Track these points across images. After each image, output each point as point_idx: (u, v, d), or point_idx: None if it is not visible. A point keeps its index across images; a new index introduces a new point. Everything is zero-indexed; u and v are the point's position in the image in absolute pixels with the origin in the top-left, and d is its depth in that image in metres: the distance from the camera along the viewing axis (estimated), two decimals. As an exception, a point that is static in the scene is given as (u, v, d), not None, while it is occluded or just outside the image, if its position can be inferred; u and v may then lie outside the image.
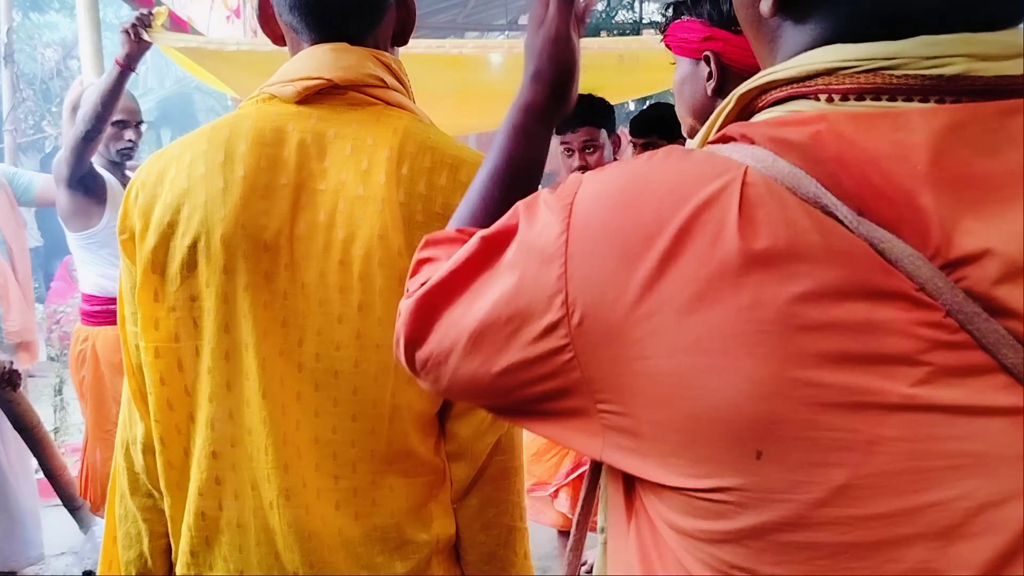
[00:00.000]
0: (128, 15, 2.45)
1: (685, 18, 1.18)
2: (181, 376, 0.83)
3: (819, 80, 0.44)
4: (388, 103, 0.86)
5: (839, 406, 0.39)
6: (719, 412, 0.40)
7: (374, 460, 0.83)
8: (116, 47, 2.42)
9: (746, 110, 0.49)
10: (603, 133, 2.43)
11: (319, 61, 0.84)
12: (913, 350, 0.38)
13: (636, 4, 9.01)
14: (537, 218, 0.49)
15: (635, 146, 2.47)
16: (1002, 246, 0.38)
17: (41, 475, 2.64)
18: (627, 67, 2.77)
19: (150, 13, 2.38)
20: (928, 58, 0.41)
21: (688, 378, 0.41)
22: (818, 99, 0.44)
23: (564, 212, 0.47)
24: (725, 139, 0.47)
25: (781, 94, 0.46)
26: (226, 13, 5.00)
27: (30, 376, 2.87)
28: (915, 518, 0.38)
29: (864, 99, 0.43)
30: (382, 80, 0.85)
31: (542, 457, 2.50)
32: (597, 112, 2.46)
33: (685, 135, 1.30)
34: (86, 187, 2.49)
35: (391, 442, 0.84)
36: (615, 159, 2.50)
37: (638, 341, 0.42)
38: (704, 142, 0.50)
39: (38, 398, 3.69)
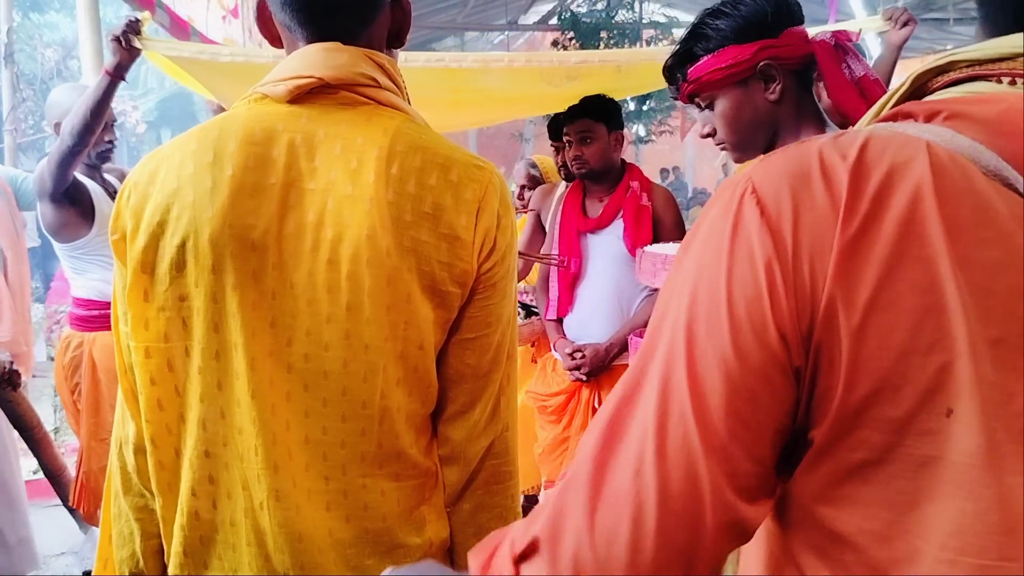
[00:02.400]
0: (128, 15, 2.36)
1: (706, 56, 1.20)
2: (171, 376, 0.83)
3: (1002, 64, 0.46)
4: (380, 103, 0.85)
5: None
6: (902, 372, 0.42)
7: (364, 462, 0.83)
8: (116, 48, 2.33)
9: (918, 92, 0.50)
10: (602, 127, 2.44)
11: (311, 60, 0.84)
12: None
13: (636, 4, 8.99)
14: (701, 245, 0.48)
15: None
16: None
17: (41, 475, 2.64)
18: (625, 74, 2.78)
19: (137, 20, 2.26)
20: None
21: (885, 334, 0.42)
22: (1000, 82, 0.46)
23: (748, 197, 0.46)
24: (897, 116, 0.48)
25: (960, 75, 0.48)
26: (223, 13, 5.00)
27: (31, 376, 2.85)
28: None
29: None
30: (375, 80, 0.85)
31: (550, 455, 2.50)
32: (597, 106, 2.46)
33: (735, 160, 1.30)
34: (71, 199, 2.40)
35: (381, 443, 0.83)
36: (615, 156, 2.50)
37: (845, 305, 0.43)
38: (873, 120, 0.51)
39: (38, 398, 3.69)
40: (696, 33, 1.22)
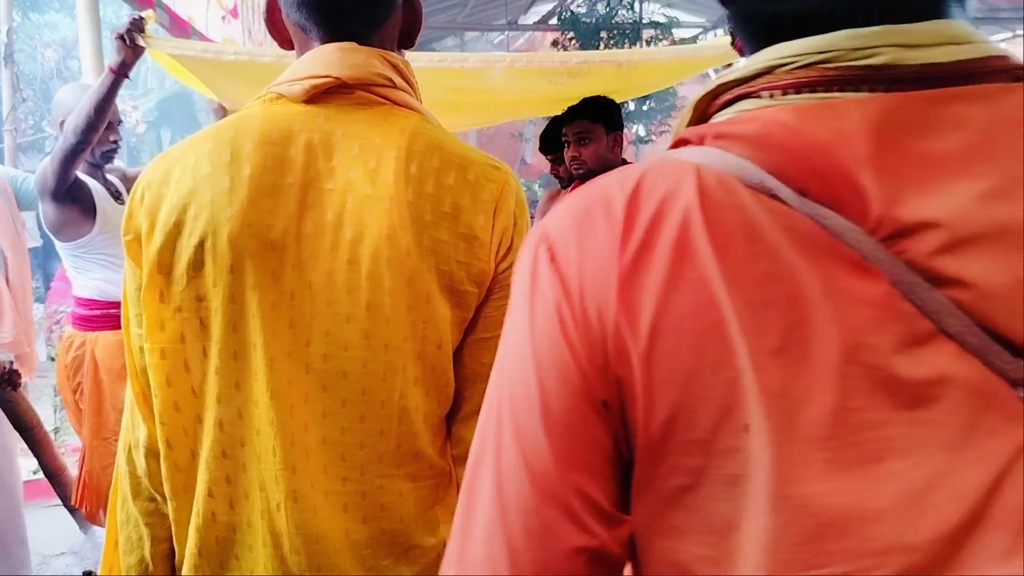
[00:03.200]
0: (129, 15, 2.36)
1: None
2: (188, 377, 0.83)
3: (761, 79, 0.47)
4: (396, 103, 0.86)
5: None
6: (703, 390, 0.42)
7: (383, 462, 0.83)
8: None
9: (704, 116, 0.52)
10: (600, 128, 2.44)
11: (327, 60, 0.83)
12: (869, 318, 0.40)
13: (636, 4, 8.99)
14: (514, 311, 0.49)
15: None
16: (939, 219, 0.40)
17: (41, 475, 2.64)
18: (625, 73, 2.78)
19: (141, 18, 2.26)
20: (855, 49, 0.44)
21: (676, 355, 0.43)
22: (761, 97, 0.47)
23: (541, 247, 0.48)
24: (678, 144, 0.50)
25: (730, 96, 0.49)
26: (222, 13, 5.00)
27: (34, 377, 2.85)
28: (881, 489, 0.39)
29: (803, 92, 0.45)
30: (390, 80, 0.85)
31: None
32: (595, 107, 2.46)
33: None
34: (73, 197, 2.39)
35: (400, 444, 0.83)
36: (614, 156, 2.50)
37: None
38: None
39: (38, 398, 3.69)
40: None
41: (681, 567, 0.45)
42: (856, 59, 0.44)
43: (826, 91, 0.45)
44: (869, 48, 0.44)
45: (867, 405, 0.40)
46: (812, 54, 0.45)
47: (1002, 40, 8.32)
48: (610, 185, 0.48)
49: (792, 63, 0.46)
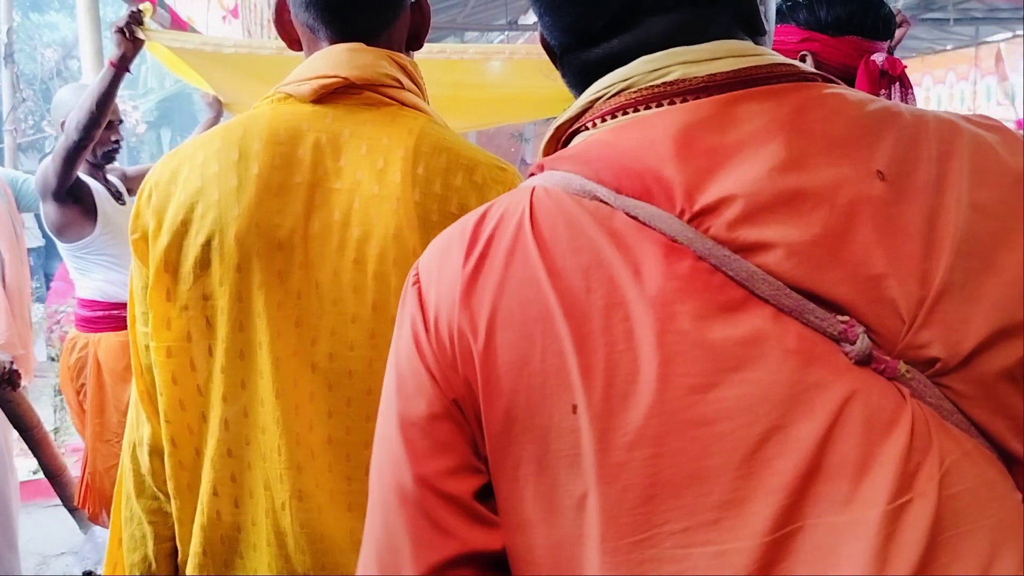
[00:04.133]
0: (131, 7, 2.33)
1: (778, 24, 1.27)
2: (193, 375, 0.83)
3: (586, 114, 0.54)
4: (403, 104, 0.86)
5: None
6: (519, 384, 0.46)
7: None
8: (114, 47, 2.30)
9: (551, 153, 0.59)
10: None
11: (335, 60, 0.84)
12: (678, 289, 0.44)
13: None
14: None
15: None
16: (735, 193, 0.44)
17: (41, 475, 2.64)
18: None
19: (139, 11, 2.23)
20: (651, 71, 0.50)
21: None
22: (589, 128, 0.53)
23: (410, 277, 0.55)
24: (528, 177, 0.56)
25: (567, 134, 0.56)
26: (222, 13, 5.00)
27: (32, 378, 2.84)
28: (714, 448, 0.41)
29: (617, 116, 0.52)
30: (398, 81, 0.86)
31: None
32: None
33: None
34: (74, 198, 2.37)
35: None
36: None
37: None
38: None
39: (38, 398, 3.69)
40: (793, 4, 1.29)
41: (536, 564, 0.46)
42: (653, 80, 0.50)
43: (635, 111, 0.51)
44: (661, 68, 0.50)
45: (689, 371, 0.42)
46: (618, 83, 0.52)
47: (1002, 40, 8.33)
48: (466, 217, 0.54)
49: (605, 94, 0.52)
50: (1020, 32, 8.02)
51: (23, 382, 2.44)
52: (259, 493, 0.83)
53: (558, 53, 0.59)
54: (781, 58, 0.51)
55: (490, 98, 3.17)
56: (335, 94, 0.84)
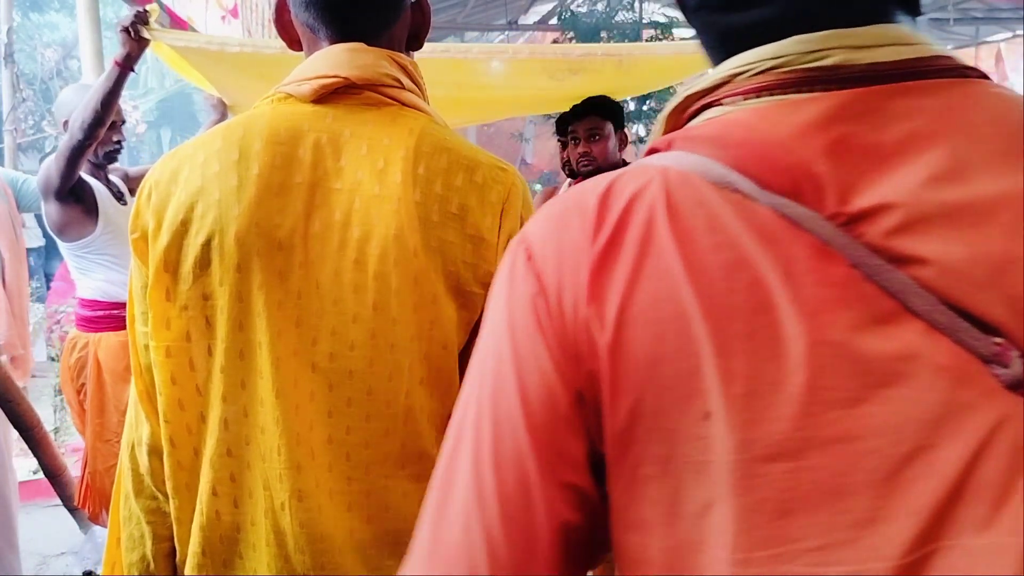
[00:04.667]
0: (136, 7, 2.33)
1: None
2: (193, 375, 0.83)
3: (723, 88, 0.50)
4: (404, 104, 0.86)
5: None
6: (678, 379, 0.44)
7: (387, 462, 0.83)
8: (116, 47, 2.28)
9: (674, 128, 0.55)
10: (609, 125, 2.45)
11: (335, 60, 0.84)
12: (831, 298, 0.41)
13: (636, 4, 9.00)
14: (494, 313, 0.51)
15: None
16: (893, 201, 0.42)
17: (41, 475, 2.63)
18: (625, 69, 2.79)
19: (145, 10, 2.24)
20: (807, 53, 0.46)
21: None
22: (724, 104, 0.50)
23: (519, 249, 0.51)
24: (649, 153, 0.52)
25: (696, 107, 0.52)
26: (221, 13, 5.01)
27: (31, 376, 2.84)
28: (857, 465, 0.40)
29: (762, 96, 0.48)
30: (398, 81, 0.86)
31: None
32: (604, 105, 2.48)
33: None
34: (76, 197, 2.37)
35: (405, 444, 0.83)
36: (620, 155, 2.51)
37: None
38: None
39: (38, 398, 3.69)
40: None
41: (650, 564, 0.45)
42: (808, 62, 0.46)
43: (783, 93, 0.47)
44: (819, 51, 0.46)
45: (838, 384, 0.40)
46: (767, 60, 0.47)
47: (1002, 40, 8.32)
48: (585, 190, 0.50)
49: (749, 70, 0.48)
50: (1020, 32, 8.02)
51: (22, 382, 2.43)
52: (258, 493, 0.82)
53: (693, 7, 0.54)
54: (940, 48, 0.48)
55: (493, 98, 3.17)
56: (336, 94, 0.84)
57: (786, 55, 0.47)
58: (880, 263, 0.42)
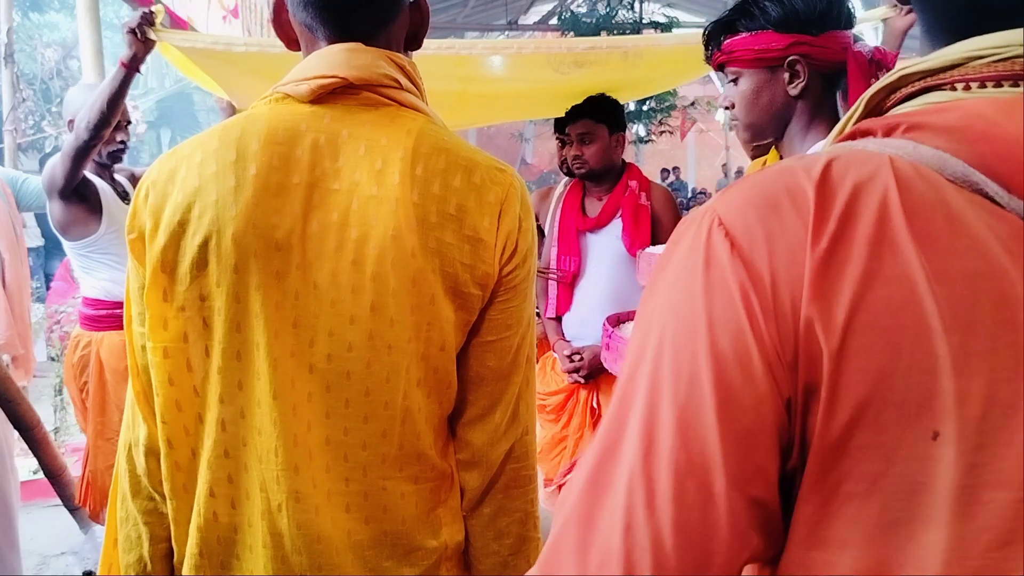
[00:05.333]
0: (128, 15, 2.34)
1: (744, 33, 1.21)
2: (190, 376, 0.83)
3: (955, 71, 0.45)
4: (402, 104, 0.85)
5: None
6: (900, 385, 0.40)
7: (385, 464, 0.83)
8: (116, 47, 2.30)
9: (875, 110, 0.50)
10: (603, 128, 2.45)
11: (333, 60, 0.83)
12: None
13: (636, 4, 9.00)
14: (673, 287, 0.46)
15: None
16: None
17: (41, 475, 2.64)
18: (631, 62, 2.78)
19: (151, 11, 2.25)
20: None
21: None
22: (955, 88, 0.45)
23: (715, 231, 0.45)
24: (856, 135, 0.48)
25: (913, 88, 0.47)
26: (223, 13, 5.00)
27: (32, 378, 2.84)
28: None
29: (1002, 86, 0.43)
30: (396, 81, 0.85)
31: (548, 454, 2.50)
32: (599, 108, 2.47)
33: (748, 141, 1.32)
34: (81, 196, 2.39)
35: (402, 445, 0.83)
36: (615, 157, 2.51)
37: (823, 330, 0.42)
38: (834, 142, 0.51)
39: (38, 398, 3.69)
40: (744, 8, 1.23)
41: None
42: None
43: None
44: None
45: None
46: (1016, 46, 0.43)
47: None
48: (794, 172, 0.45)
49: (993, 55, 0.43)
50: (1020, 31, 8.00)
51: (23, 382, 2.44)
52: (255, 494, 0.82)
53: None
54: None
55: (500, 93, 3.16)
56: (333, 94, 0.83)
57: None
58: None
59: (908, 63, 0.48)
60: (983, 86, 0.44)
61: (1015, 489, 0.38)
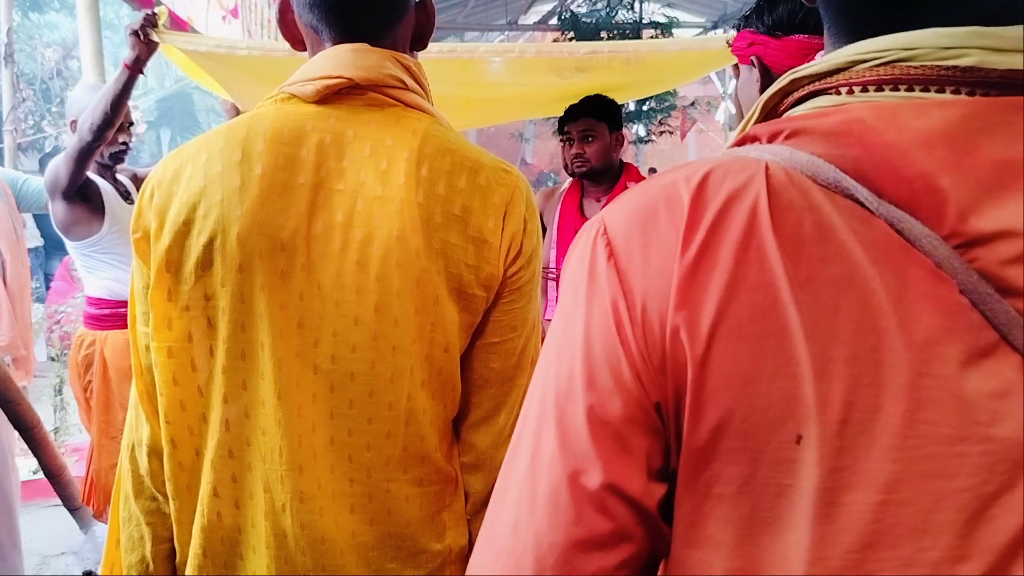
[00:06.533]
0: (129, 15, 2.35)
1: (742, 30, 1.27)
2: (194, 376, 0.82)
3: (840, 75, 0.45)
4: (408, 105, 0.85)
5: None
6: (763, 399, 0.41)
7: (389, 465, 0.83)
8: (116, 47, 2.30)
9: (771, 115, 0.51)
10: (604, 127, 2.45)
11: (339, 60, 0.83)
12: (940, 327, 0.39)
13: (636, 4, 9.00)
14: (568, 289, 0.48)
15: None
16: (1015, 229, 0.39)
17: (41, 475, 2.64)
18: (633, 68, 2.78)
19: (154, 13, 2.27)
20: (943, 48, 0.42)
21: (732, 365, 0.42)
22: (839, 93, 0.45)
23: (599, 242, 0.47)
24: (744, 141, 0.48)
25: (803, 92, 0.48)
26: (222, 13, 5.00)
27: (32, 378, 2.84)
28: (946, 503, 0.38)
29: (883, 90, 0.44)
30: (402, 81, 0.85)
31: None
32: (599, 106, 2.48)
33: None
34: (83, 196, 2.40)
35: (407, 447, 0.83)
36: (615, 156, 2.51)
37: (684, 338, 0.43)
38: (727, 148, 0.51)
39: (38, 398, 3.69)
40: (755, 8, 1.27)
41: None
42: (942, 59, 0.42)
43: (908, 90, 0.43)
44: (957, 48, 0.42)
45: (939, 419, 0.38)
46: (897, 50, 0.43)
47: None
48: (675, 181, 0.46)
49: (875, 59, 0.44)
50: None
51: (23, 382, 2.44)
52: (258, 495, 0.82)
53: None
54: None
55: (500, 97, 3.16)
56: (339, 95, 0.83)
57: (920, 48, 0.42)
58: (990, 292, 0.39)
59: (799, 67, 0.48)
60: (865, 90, 0.44)
61: (875, 492, 0.39)
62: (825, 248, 0.41)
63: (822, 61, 0.47)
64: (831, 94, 0.46)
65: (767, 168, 0.43)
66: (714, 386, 0.42)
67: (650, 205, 0.46)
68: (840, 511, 0.39)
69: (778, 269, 0.41)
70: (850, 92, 0.45)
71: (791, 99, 0.49)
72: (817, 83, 0.47)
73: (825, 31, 0.50)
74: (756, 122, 0.51)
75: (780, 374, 0.40)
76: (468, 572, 0.48)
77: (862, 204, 0.41)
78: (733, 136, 0.53)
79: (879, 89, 0.44)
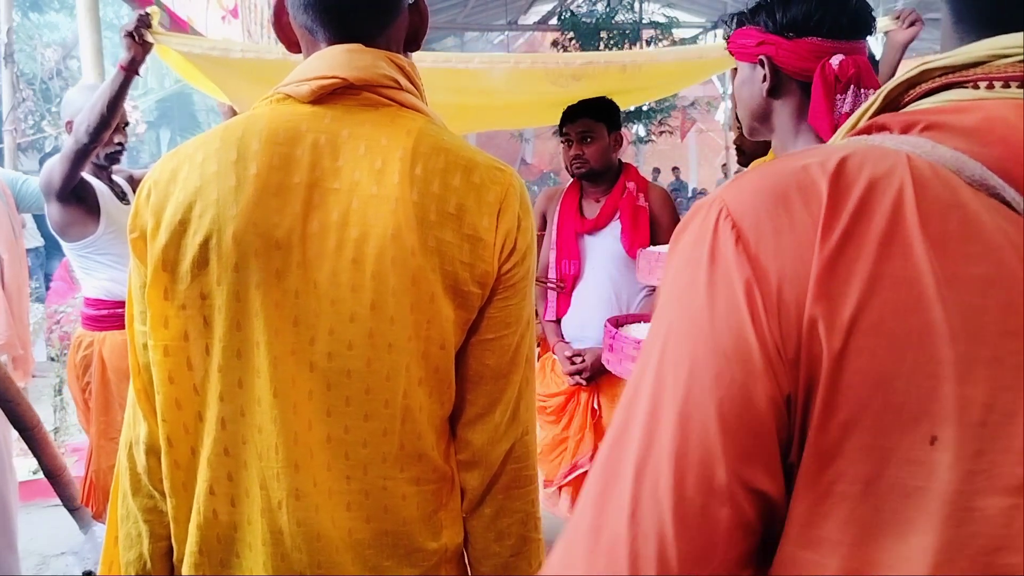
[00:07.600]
0: (129, 15, 2.35)
1: (745, 27, 1.25)
2: (190, 375, 0.83)
3: (978, 69, 0.44)
4: (402, 105, 0.86)
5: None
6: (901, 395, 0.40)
7: (386, 463, 0.83)
8: (116, 47, 2.30)
9: (891, 105, 0.50)
10: (602, 127, 2.45)
11: (334, 61, 0.84)
12: None
13: (636, 4, 9.00)
14: (680, 279, 0.46)
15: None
16: None
17: (41, 475, 2.64)
18: (630, 75, 2.79)
19: (147, 13, 2.25)
20: None
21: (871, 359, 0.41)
22: (976, 87, 0.44)
23: (723, 225, 0.45)
24: (871, 129, 0.47)
25: (934, 84, 0.46)
26: (222, 13, 5.01)
27: (31, 376, 2.84)
28: None
29: None
30: (396, 82, 0.86)
31: (549, 455, 2.50)
32: (597, 107, 2.48)
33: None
34: (79, 197, 2.39)
35: (403, 444, 0.84)
36: (614, 157, 2.51)
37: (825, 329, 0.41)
38: (847, 135, 0.50)
39: (38, 398, 3.69)
40: (756, 6, 1.25)
41: None
42: None
43: None
44: None
45: None
46: None
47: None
48: (806, 166, 0.44)
49: (1019, 55, 0.43)
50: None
51: (22, 383, 2.44)
52: (254, 492, 0.83)
53: None
54: None
55: (497, 105, 3.17)
56: (334, 95, 0.84)
57: None
58: None
59: (930, 58, 0.47)
60: (1007, 86, 0.43)
61: (1009, 495, 0.38)
62: (971, 246, 0.40)
63: (956, 53, 0.45)
64: (967, 88, 0.45)
65: (909, 159, 0.42)
66: (849, 382, 0.41)
67: (780, 188, 0.44)
68: (974, 515, 0.39)
69: (924, 265, 0.40)
70: (989, 87, 0.44)
71: (919, 90, 0.48)
72: (951, 75, 0.45)
73: (950, 23, 0.48)
74: (877, 111, 0.50)
75: (919, 373, 0.39)
76: (563, 559, 0.45)
77: (1008, 204, 0.40)
78: (847, 124, 0.52)
79: (1021, 85, 0.43)
